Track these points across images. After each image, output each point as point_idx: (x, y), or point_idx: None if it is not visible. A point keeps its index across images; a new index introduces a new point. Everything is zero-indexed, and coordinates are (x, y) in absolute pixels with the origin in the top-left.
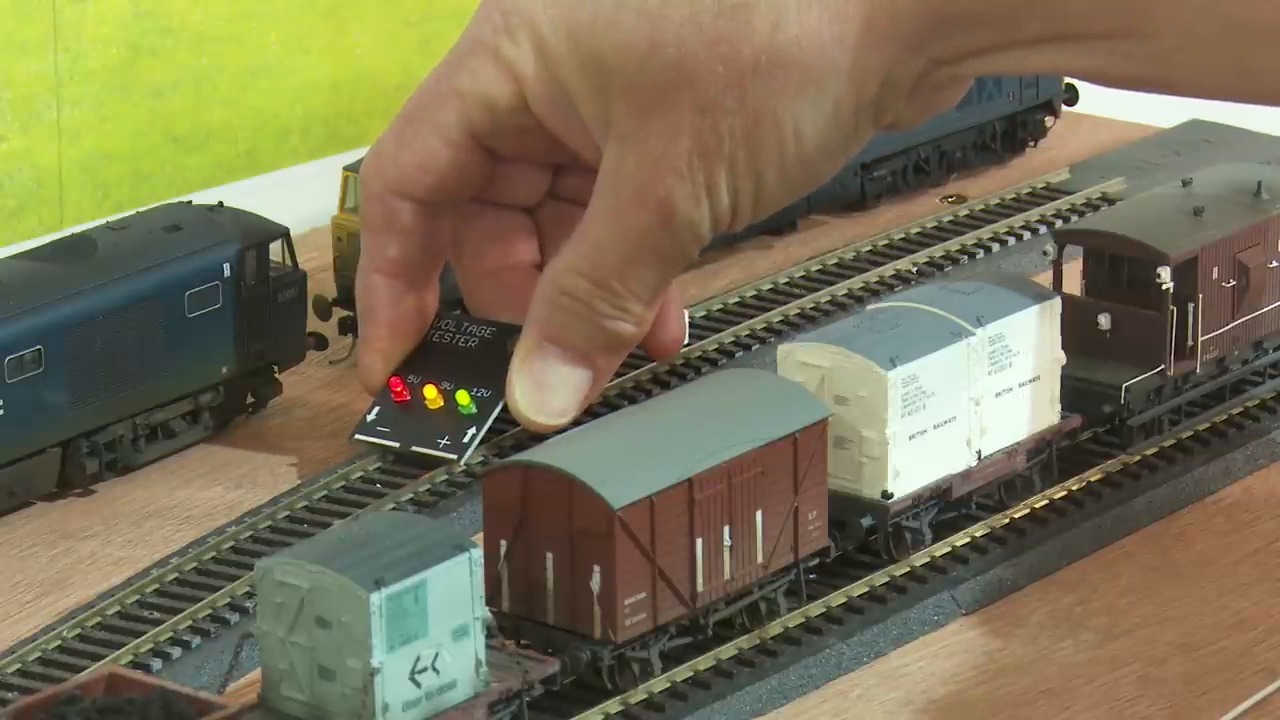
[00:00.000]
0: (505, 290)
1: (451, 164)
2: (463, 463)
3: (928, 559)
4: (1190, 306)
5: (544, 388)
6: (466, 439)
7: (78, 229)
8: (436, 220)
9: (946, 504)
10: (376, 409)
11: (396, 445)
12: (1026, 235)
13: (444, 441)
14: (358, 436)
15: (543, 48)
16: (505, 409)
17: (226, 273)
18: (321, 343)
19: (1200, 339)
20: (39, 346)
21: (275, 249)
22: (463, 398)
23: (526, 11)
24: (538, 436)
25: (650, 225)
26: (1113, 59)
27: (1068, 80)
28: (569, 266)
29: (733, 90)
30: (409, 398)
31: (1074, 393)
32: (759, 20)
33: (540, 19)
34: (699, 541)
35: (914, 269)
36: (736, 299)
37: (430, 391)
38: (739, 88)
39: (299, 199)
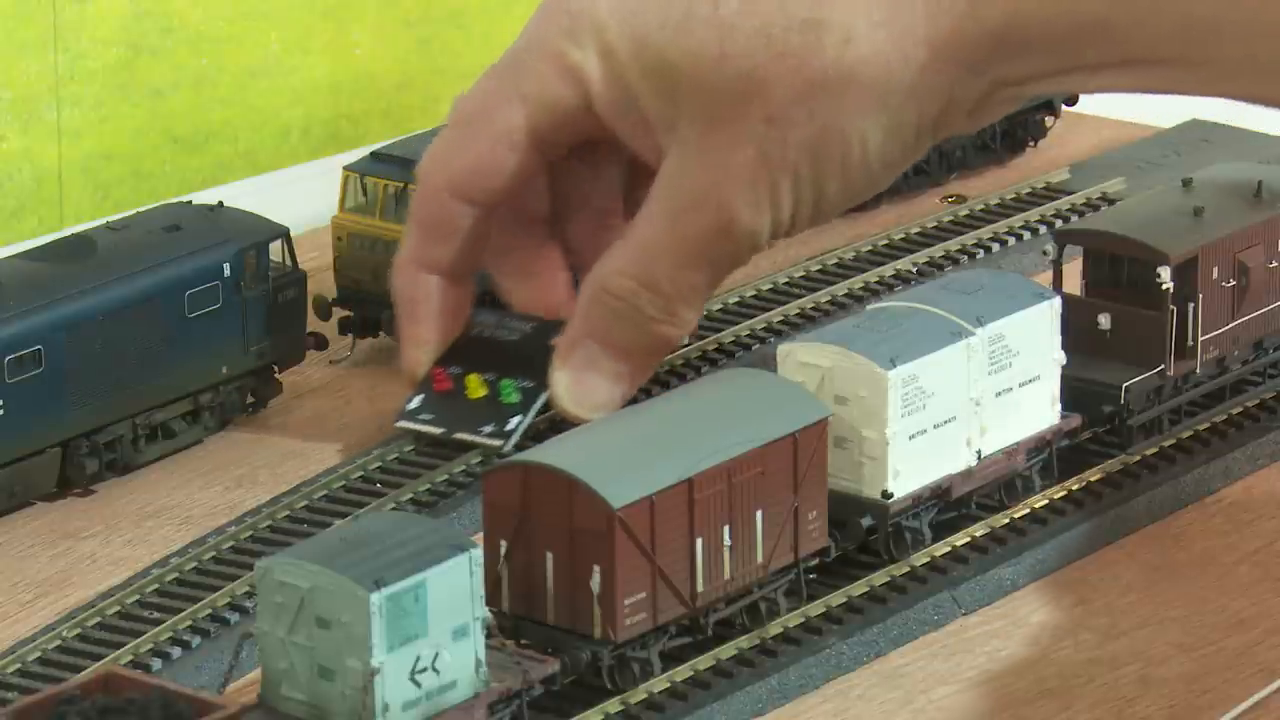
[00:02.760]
0: (541, 291)
1: (512, 168)
2: (508, 447)
3: (928, 559)
4: (1190, 306)
5: (585, 383)
6: (510, 426)
7: (78, 229)
8: (484, 220)
9: (946, 504)
10: (418, 397)
11: (439, 432)
12: (1026, 235)
13: (488, 429)
14: (400, 423)
15: (609, 52)
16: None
17: (226, 273)
18: (321, 343)
19: (1200, 339)
20: (39, 346)
21: (275, 249)
22: (506, 388)
23: (592, 15)
24: (540, 436)
25: (708, 232)
26: (1174, 82)
27: None
28: (618, 269)
29: (801, 104)
30: (451, 387)
31: (1074, 393)
32: (829, 38)
33: (607, 23)
34: (699, 541)
35: (914, 269)
36: (736, 299)
37: (473, 381)
38: (807, 102)
39: (299, 199)
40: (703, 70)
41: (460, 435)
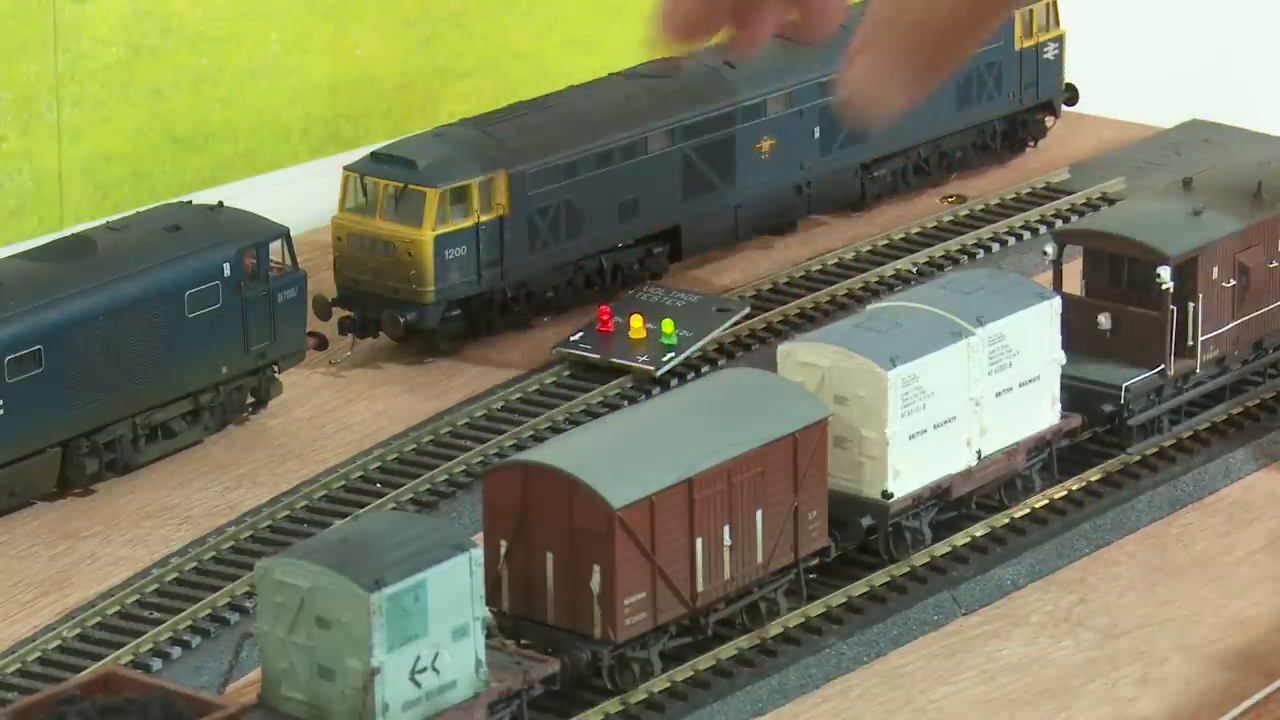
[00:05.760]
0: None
1: None
2: (658, 374)
3: (928, 559)
4: (1190, 306)
5: (872, 84)
6: (665, 358)
7: (78, 229)
8: None
9: (946, 504)
10: (581, 332)
11: (596, 357)
12: (1026, 235)
13: (642, 357)
14: (559, 349)
15: None
16: (703, 346)
17: (226, 273)
18: (322, 343)
19: (1200, 339)
20: (39, 346)
21: (275, 249)
22: (667, 327)
23: None
24: (538, 436)
25: None
26: None
27: (1068, 80)
28: None
29: None
30: (613, 329)
31: (1074, 393)
32: None
33: None
34: (699, 541)
35: (914, 269)
36: (737, 299)
37: (636, 322)
38: None
39: (299, 199)
40: None
41: (615, 360)
